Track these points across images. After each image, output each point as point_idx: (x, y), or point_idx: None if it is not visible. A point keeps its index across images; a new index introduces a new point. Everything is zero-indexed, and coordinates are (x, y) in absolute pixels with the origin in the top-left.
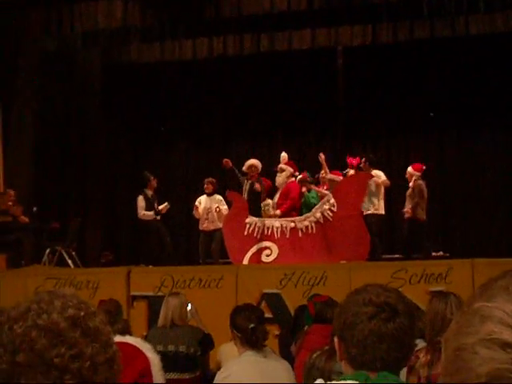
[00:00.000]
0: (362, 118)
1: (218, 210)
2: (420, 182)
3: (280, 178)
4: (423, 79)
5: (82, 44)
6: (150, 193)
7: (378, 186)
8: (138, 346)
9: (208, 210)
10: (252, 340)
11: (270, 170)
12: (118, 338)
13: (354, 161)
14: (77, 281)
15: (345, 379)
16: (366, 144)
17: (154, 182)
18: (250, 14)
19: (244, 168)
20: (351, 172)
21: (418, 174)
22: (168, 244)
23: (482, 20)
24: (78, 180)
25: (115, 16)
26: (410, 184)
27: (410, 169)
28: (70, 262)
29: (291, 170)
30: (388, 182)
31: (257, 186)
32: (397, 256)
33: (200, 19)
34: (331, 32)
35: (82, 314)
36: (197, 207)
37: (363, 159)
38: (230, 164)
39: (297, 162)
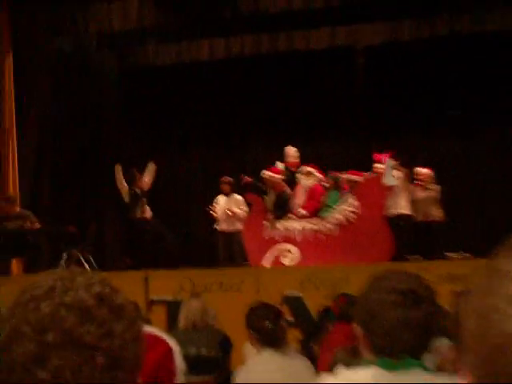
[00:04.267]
0: (383, 120)
1: (230, 212)
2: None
3: (308, 182)
4: (449, 77)
5: (97, 45)
6: (137, 190)
7: (403, 184)
8: (158, 334)
9: (226, 211)
10: (270, 339)
11: (287, 172)
12: None
13: (382, 156)
14: None
15: (368, 366)
16: (387, 148)
17: (141, 181)
18: (266, 12)
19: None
20: (380, 167)
21: (432, 176)
22: (170, 244)
23: (506, 15)
24: (94, 184)
25: (130, 17)
26: (426, 186)
27: (425, 170)
28: (87, 266)
29: (320, 176)
30: (409, 182)
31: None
32: (418, 257)
33: (216, 19)
34: (351, 30)
35: (107, 290)
36: (214, 207)
37: (391, 155)
38: (249, 179)
39: (318, 166)
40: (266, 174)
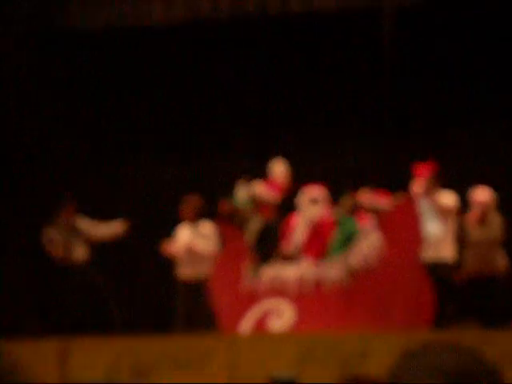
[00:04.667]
0: (423, 114)
1: (191, 250)
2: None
3: (315, 211)
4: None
5: None
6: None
7: (446, 216)
8: None
9: (190, 248)
10: None
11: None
12: None
13: (424, 170)
14: None
15: None
16: (424, 144)
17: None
18: None
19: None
20: (419, 187)
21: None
22: (111, 305)
23: None
24: None
25: None
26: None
27: (485, 194)
28: None
29: (326, 199)
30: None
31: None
32: (474, 324)
33: None
34: None
35: None
36: (172, 244)
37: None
38: (231, 206)
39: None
40: (259, 188)
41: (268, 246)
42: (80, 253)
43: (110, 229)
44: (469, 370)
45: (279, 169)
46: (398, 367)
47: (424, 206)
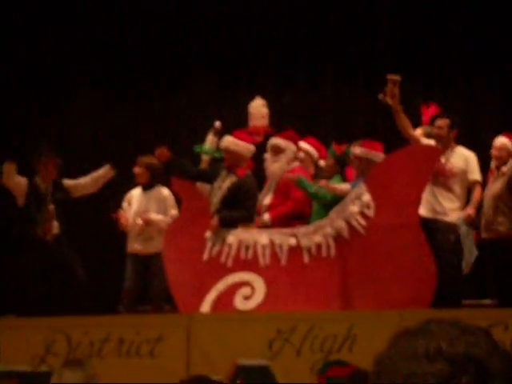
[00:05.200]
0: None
1: (141, 221)
2: None
3: (276, 165)
4: None
5: None
6: (40, 182)
7: (457, 173)
8: None
9: (142, 217)
10: None
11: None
12: None
13: (430, 110)
14: None
15: None
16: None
17: (51, 165)
18: None
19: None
20: (419, 133)
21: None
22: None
23: None
24: None
25: None
26: (503, 168)
27: (503, 139)
28: None
29: (294, 147)
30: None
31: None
32: (486, 301)
33: None
34: None
35: None
36: (123, 211)
37: (443, 116)
38: (167, 154)
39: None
40: (227, 139)
41: (238, 208)
42: (54, 228)
43: (98, 176)
44: (480, 358)
45: (256, 109)
46: (389, 350)
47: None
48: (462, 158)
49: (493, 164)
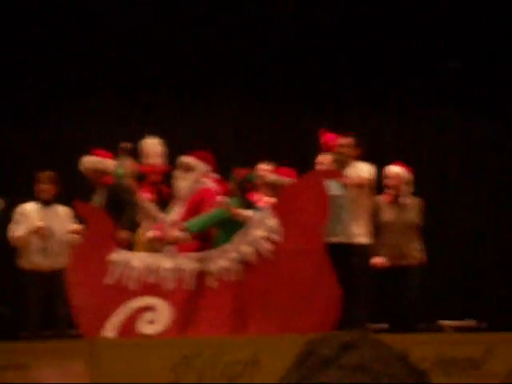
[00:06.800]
0: (330, 74)
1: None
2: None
3: (185, 183)
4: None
5: None
6: None
7: (359, 191)
8: None
9: (43, 232)
10: None
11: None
12: None
13: (332, 138)
14: None
15: None
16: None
17: None
18: None
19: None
20: (326, 159)
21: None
22: None
23: None
24: None
25: None
26: (406, 199)
27: (397, 169)
28: None
29: (203, 167)
30: (372, 183)
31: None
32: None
33: None
34: None
35: None
36: (18, 228)
37: (347, 138)
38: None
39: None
40: (86, 160)
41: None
42: None
43: None
44: (393, 369)
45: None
46: (292, 368)
47: (332, 182)
48: (359, 169)
49: (389, 192)
